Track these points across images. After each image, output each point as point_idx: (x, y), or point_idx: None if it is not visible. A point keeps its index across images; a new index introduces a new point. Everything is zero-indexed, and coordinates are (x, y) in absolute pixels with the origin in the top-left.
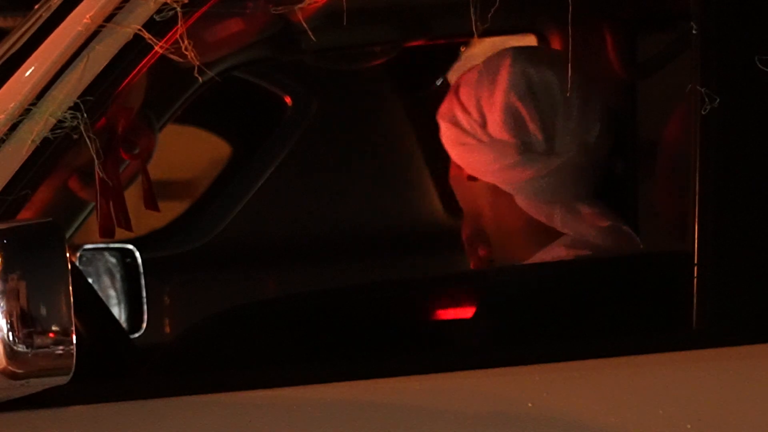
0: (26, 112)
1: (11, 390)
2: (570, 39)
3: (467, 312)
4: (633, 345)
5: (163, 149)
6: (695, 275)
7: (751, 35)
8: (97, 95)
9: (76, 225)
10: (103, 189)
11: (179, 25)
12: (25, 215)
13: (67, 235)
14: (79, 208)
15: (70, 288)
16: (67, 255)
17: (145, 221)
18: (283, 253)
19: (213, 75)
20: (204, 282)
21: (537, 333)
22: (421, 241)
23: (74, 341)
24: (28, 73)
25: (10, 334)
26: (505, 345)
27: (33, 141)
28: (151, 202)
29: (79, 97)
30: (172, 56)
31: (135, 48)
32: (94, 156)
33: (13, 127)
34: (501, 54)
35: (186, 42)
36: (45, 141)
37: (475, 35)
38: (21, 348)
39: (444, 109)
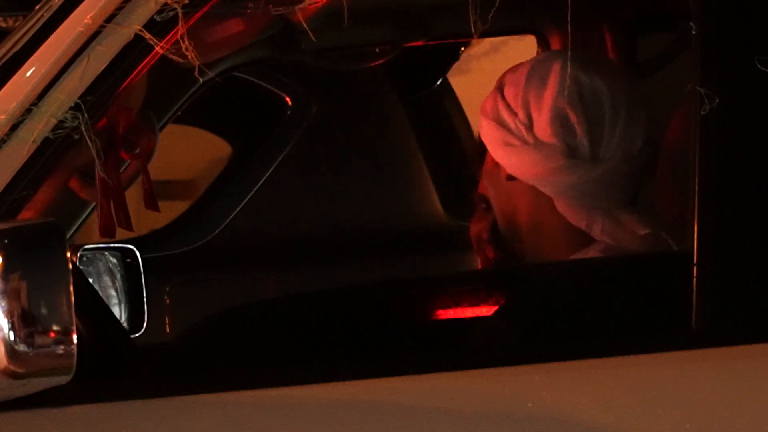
0: (27, 112)
1: (12, 390)
2: (569, 39)
3: (467, 312)
4: (633, 345)
5: (163, 149)
6: (695, 275)
7: (751, 35)
8: (98, 95)
9: (76, 225)
10: (104, 189)
11: (180, 25)
12: (26, 215)
13: (68, 235)
14: (79, 208)
15: (71, 288)
16: (68, 255)
17: (146, 221)
18: (283, 253)
19: (213, 75)
20: (204, 282)
21: (537, 333)
22: (421, 241)
23: (75, 341)
24: (29, 74)
25: (11, 333)
26: (505, 345)
27: (34, 141)
28: (151, 201)
29: (80, 98)
30: (172, 56)
31: (136, 48)
32: (95, 156)
33: (14, 128)
34: (550, 56)
35: (186, 42)
36: (46, 141)
37: (475, 36)
38: (22, 347)
39: (488, 107)
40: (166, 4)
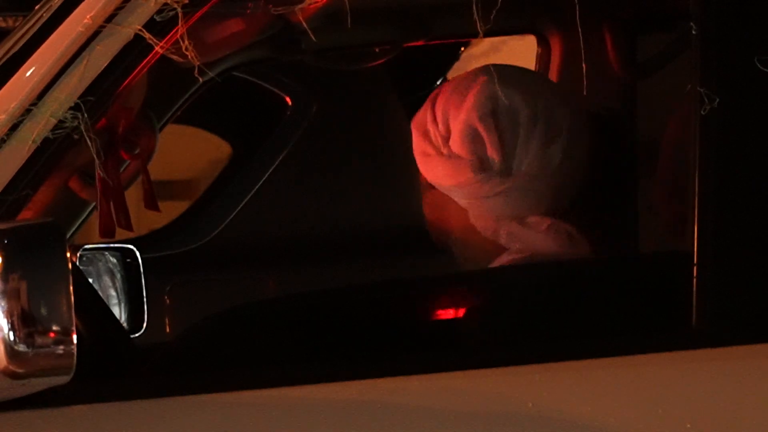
0: (27, 112)
1: (12, 390)
2: (562, 42)
3: (467, 312)
4: (633, 345)
5: (163, 149)
6: (695, 275)
7: (751, 35)
8: (98, 95)
9: (76, 225)
10: (104, 189)
11: (180, 25)
12: (26, 215)
13: (68, 235)
14: (79, 208)
15: (71, 288)
16: (68, 255)
17: (146, 221)
18: (283, 253)
19: (213, 75)
20: (204, 282)
21: (537, 333)
22: (421, 241)
23: (75, 341)
24: (29, 74)
25: (11, 333)
26: (506, 345)
27: (34, 141)
28: (151, 201)
29: (79, 98)
30: (172, 56)
31: (135, 48)
32: (95, 156)
33: (14, 127)
34: (478, 71)
35: (186, 42)
36: (46, 141)
37: (481, 34)
38: (22, 348)
39: (419, 116)
40: (166, 4)
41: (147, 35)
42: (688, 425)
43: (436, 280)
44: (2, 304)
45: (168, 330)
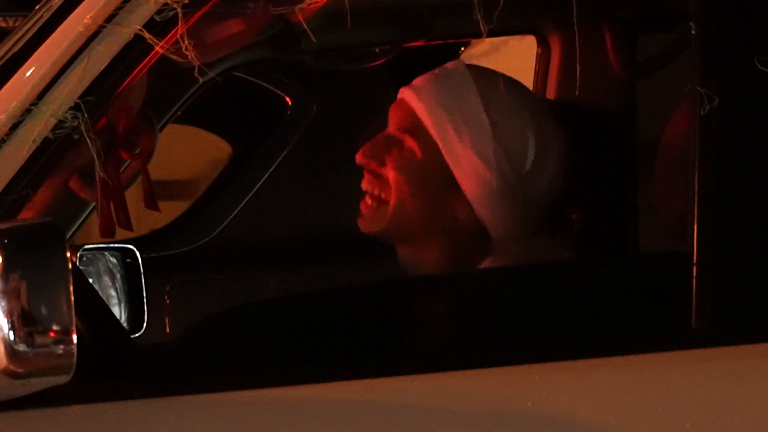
0: (27, 112)
1: (12, 389)
2: (564, 39)
3: (467, 312)
4: (633, 345)
5: (163, 149)
6: (694, 275)
7: (751, 35)
8: (98, 95)
9: (76, 225)
10: (104, 189)
11: (180, 25)
12: (26, 215)
13: (68, 235)
14: (79, 208)
15: (71, 288)
16: (68, 255)
17: (146, 221)
18: (283, 253)
19: (213, 75)
20: (204, 282)
21: (537, 333)
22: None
23: (75, 341)
24: (29, 73)
25: (11, 333)
26: (505, 345)
27: (34, 141)
28: (151, 201)
29: (79, 97)
30: (172, 56)
31: (135, 48)
32: (95, 156)
33: (14, 127)
34: (444, 71)
35: (186, 42)
36: (46, 141)
37: (484, 34)
38: (22, 347)
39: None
40: (166, 4)
41: (147, 35)
42: (688, 425)
43: (436, 280)
44: (2, 303)
45: (168, 330)
